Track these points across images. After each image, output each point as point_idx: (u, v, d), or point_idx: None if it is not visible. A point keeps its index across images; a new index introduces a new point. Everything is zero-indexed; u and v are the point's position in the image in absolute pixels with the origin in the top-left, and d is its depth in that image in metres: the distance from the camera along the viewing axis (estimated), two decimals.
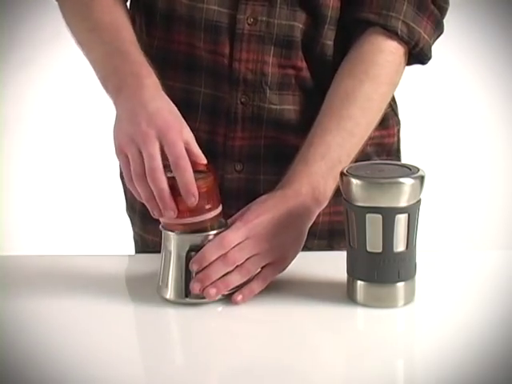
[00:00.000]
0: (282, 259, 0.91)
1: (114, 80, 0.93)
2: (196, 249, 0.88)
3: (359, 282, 0.88)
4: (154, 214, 0.87)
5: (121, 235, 2.60)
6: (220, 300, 0.89)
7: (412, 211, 0.86)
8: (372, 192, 0.85)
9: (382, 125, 1.07)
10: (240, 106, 1.02)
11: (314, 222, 1.03)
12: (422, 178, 0.86)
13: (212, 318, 0.89)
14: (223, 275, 0.87)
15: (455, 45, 2.15)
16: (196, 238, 0.88)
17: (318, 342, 0.83)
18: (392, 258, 0.86)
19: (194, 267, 0.87)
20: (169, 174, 0.86)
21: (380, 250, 0.86)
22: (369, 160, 1.07)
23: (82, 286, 0.94)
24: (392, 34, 0.99)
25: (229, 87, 1.02)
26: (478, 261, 1.04)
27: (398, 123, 1.14)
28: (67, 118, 2.60)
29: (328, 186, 0.94)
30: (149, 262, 1.00)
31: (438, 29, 1.04)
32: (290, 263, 0.91)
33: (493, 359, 0.78)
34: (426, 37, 1.01)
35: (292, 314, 0.88)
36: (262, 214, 0.90)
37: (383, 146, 1.11)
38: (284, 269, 0.91)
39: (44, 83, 2.57)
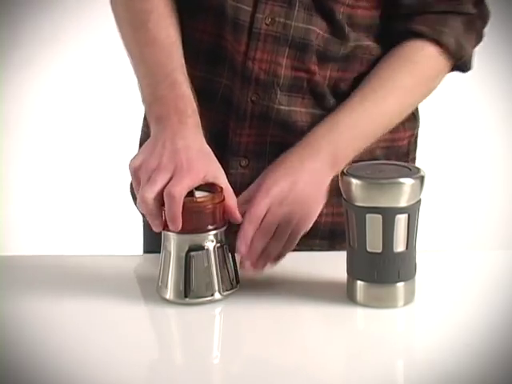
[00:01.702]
0: (306, 217, 0.93)
1: (158, 109, 0.95)
2: (196, 249, 0.88)
3: (359, 282, 0.88)
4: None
5: (121, 235, 2.60)
6: (219, 300, 0.89)
7: (412, 211, 0.86)
8: (372, 192, 0.85)
9: (392, 129, 1.08)
10: (250, 104, 1.02)
11: (316, 222, 1.04)
12: (422, 178, 0.86)
13: (211, 318, 0.89)
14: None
15: None
16: (196, 239, 0.89)
17: (318, 342, 0.83)
18: (392, 258, 0.86)
19: (243, 250, 0.89)
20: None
21: (380, 250, 0.86)
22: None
23: (82, 286, 0.94)
24: (444, 48, 1.02)
25: (241, 84, 1.02)
26: (478, 261, 1.04)
27: (415, 127, 1.14)
28: (67, 118, 2.60)
29: (346, 155, 0.97)
30: (149, 262, 1.00)
31: (480, 40, 1.07)
32: (313, 221, 0.94)
33: (493, 359, 0.78)
34: (471, 50, 1.05)
35: (292, 314, 0.88)
36: (284, 178, 0.93)
37: (392, 149, 1.11)
38: (309, 226, 0.94)
39: (44, 83, 2.57)
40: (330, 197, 1.04)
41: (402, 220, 0.86)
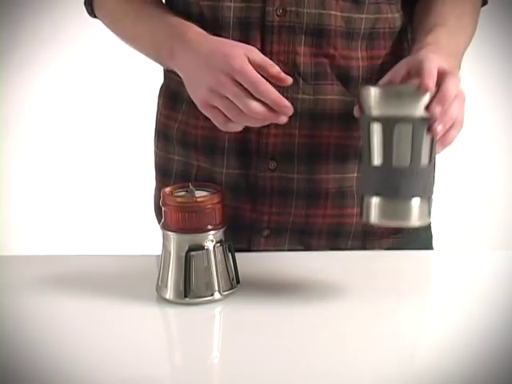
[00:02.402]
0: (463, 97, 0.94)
1: (165, 48, 0.95)
2: (196, 249, 0.88)
3: (374, 199, 0.85)
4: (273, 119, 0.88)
5: (121, 235, 2.60)
6: (219, 300, 0.89)
7: (417, 122, 0.83)
8: (402, 100, 0.82)
9: None
10: None
11: (348, 223, 1.04)
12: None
13: (211, 317, 0.89)
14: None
15: None
16: (196, 238, 0.89)
17: (319, 342, 0.83)
18: (420, 172, 0.84)
19: (437, 110, 0.84)
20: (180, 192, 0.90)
21: (407, 164, 0.83)
22: None
23: (82, 286, 0.94)
24: None
25: None
26: (478, 261, 1.04)
27: None
28: (67, 118, 2.60)
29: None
30: (149, 262, 1.00)
31: None
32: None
33: (493, 359, 0.78)
34: None
35: (292, 313, 0.88)
36: (452, 76, 0.90)
37: None
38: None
39: (44, 83, 2.57)
40: (360, 196, 1.05)
41: (425, 130, 0.83)
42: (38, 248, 2.47)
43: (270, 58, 0.98)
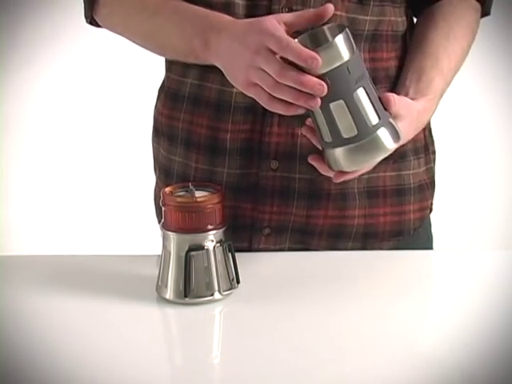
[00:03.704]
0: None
1: (198, 39, 0.94)
2: (196, 249, 0.88)
3: (338, 150, 0.86)
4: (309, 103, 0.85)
5: (121, 235, 2.60)
6: (219, 300, 0.89)
7: (365, 83, 0.85)
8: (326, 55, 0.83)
9: None
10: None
11: (349, 225, 1.04)
12: (347, 33, 0.84)
13: (211, 317, 0.89)
14: None
15: None
16: (196, 238, 0.89)
17: (319, 342, 0.83)
18: (371, 132, 0.85)
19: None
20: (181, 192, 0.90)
21: (356, 132, 0.85)
22: (406, 158, 1.09)
23: (82, 286, 0.94)
24: None
25: None
26: (478, 261, 1.04)
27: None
28: (67, 118, 2.60)
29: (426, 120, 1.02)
30: (149, 262, 1.00)
31: None
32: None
33: (493, 359, 0.78)
34: None
35: (292, 313, 0.88)
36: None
37: (420, 141, 1.12)
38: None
39: (44, 83, 2.57)
40: (362, 198, 1.04)
41: (361, 94, 0.84)
42: (38, 248, 2.46)
43: None
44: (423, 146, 1.13)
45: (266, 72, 0.85)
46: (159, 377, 0.77)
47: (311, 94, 0.83)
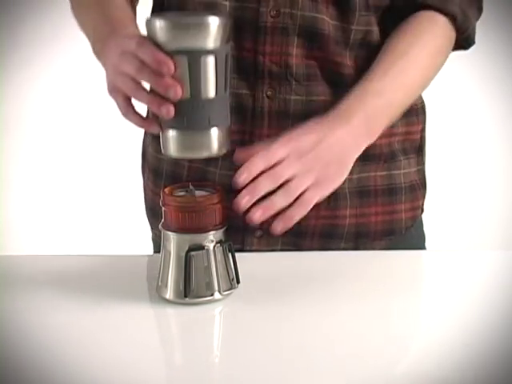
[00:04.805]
0: (323, 183, 0.88)
1: (98, 44, 0.97)
2: (196, 249, 0.88)
3: (171, 132, 0.85)
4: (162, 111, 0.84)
5: (120, 235, 2.60)
6: (219, 300, 0.89)
7: (219, 54, 0.83)
8: (176, 33, 0.82)
9: (407, 120, 1.08)
10: (266, 100, 1.01)
11: (341, 225, 1.03)
12: (227, 20, 0.84)
13: (211, 318, 0.89)
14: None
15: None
16: (196, 238, 0.89)
17: (319, 342, 0.83)
18: (201, 104, 0.84)
19: (241, 178, 0.84)
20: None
21: (188, 96, 0.83)
22: (396, 158, 1.07)
23: (82, 286, 0.94)
24: (449, 18, 1.01)
25: (254, 82, 1.01)
26: (478, 261, 1.04)
27: (424, 121, 1.13)
28: (67, 118, 2.60)
29: (379, 123, 0.95)
30: (149, 262, 1.00)
31: (480, 13, 1.07)
32: (331, 190, 0.89)
33: (492, 359, 0.78)
34: (474, 23, 1.05)
35: (292, 313, 0.88)
36: (308, 134, 0.89)
37: (409, 142, 1.10)
38: (324, 195, 0.88)
39: (44, 83, 2.57)
40: (353, 198, 1.04)
41: (209, 62, 0.83)
42: (38, 248, 2.47)
43: (263, 59, 0.99)
44: (417, 146, 1.12)
45: (129, 75, 0.85)
46: (159, 377, 0.77)
47: (167, 100, 0.82)
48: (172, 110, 0.83)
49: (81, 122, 2.59)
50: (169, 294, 0.89)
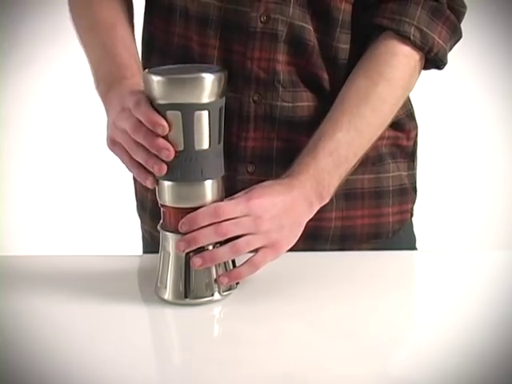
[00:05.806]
0: (276, 246, 0.89)
1: (103, 85, 0.99)
2: (195, 249, 0.88)
3: (166, 183, 0.87)
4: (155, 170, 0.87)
5: (120, 235, 2.60)
6: (219, 301, 0.89)
7: (213, 108, 0.85)
8: (171, 88, 0.84)
9: (397, 126, 1.07)
10: (253, 105, 1.01)
11: (326, 227, 1.03)
12: (222, 75, 0.86)
13: (211, 318, 0.89)
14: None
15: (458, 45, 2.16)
16: None
17: (319, 343, 0.83)
18: (194, 156, 0.85)
19: (183, 228, 0.86)
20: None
21: (182, 148, 0.85)
22: (383, 161, 1.08)
23: (81, 287, 0.94)
24: (405, 39, 0.99)
25: (241, 86, 1.01)
26: (478, 261, 1.04)
27: (416, 127, 1.13)
28: (67, 118, 2.60)
29: (332, 183, 0.95)
30: (148, 263, 1.00)
31: (455, 34, 1.03)
32: (283, 252, 0.90)
33: (492, 359, 0.78)
34: (440, 42, 1.01)
35: (292, 314, 0.88)
36: (265, 196, 0.89)
37: (398, 147, 1.10)
38: (276, 257, 0.89)
39: (44, 83, 2.57)
40: (339, 200, 1.04)
41: (202, 117, 0.85)
42: (38, 248, 2.46)
43: (251, 65, 1.00)
44: (409, 152, 1.12)
45: (127, 132, 0.87)
46: (159, 377, 0.77)
47: (162, 160, 0.85)
48: (164, 168, 0.86)
49: (81, 122, 2.59)
50: (168, 294, 0.89)
